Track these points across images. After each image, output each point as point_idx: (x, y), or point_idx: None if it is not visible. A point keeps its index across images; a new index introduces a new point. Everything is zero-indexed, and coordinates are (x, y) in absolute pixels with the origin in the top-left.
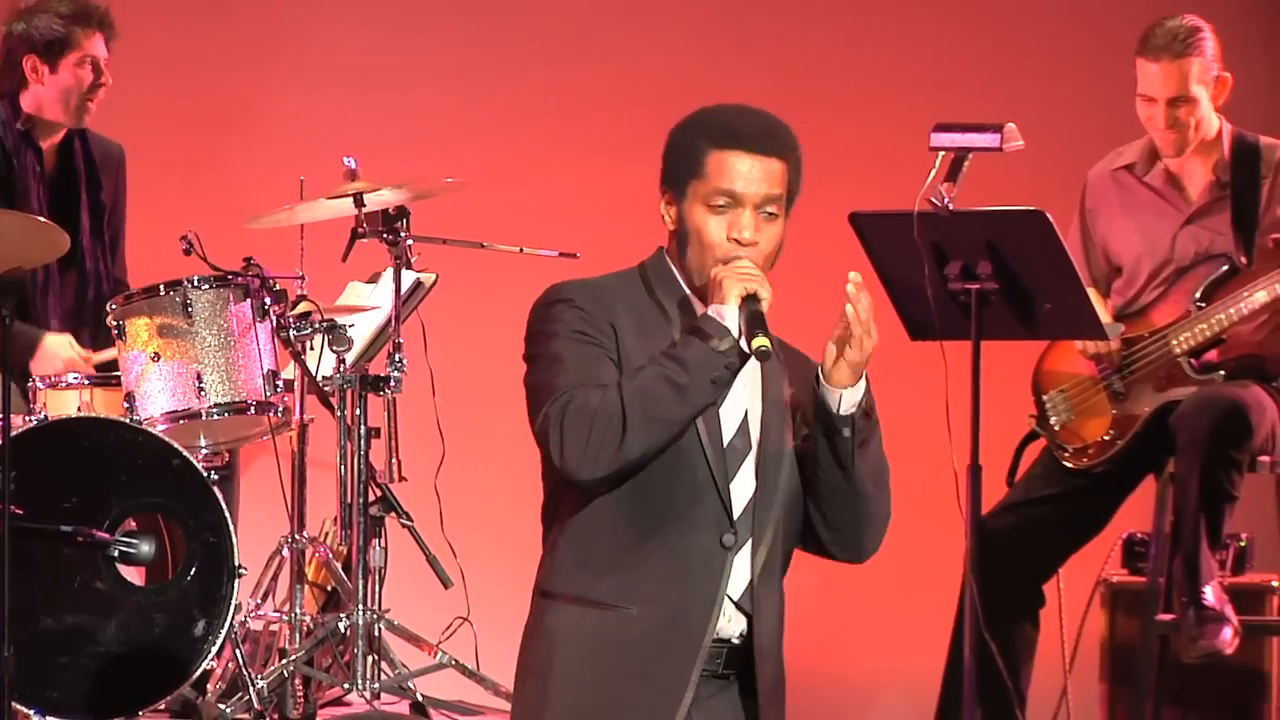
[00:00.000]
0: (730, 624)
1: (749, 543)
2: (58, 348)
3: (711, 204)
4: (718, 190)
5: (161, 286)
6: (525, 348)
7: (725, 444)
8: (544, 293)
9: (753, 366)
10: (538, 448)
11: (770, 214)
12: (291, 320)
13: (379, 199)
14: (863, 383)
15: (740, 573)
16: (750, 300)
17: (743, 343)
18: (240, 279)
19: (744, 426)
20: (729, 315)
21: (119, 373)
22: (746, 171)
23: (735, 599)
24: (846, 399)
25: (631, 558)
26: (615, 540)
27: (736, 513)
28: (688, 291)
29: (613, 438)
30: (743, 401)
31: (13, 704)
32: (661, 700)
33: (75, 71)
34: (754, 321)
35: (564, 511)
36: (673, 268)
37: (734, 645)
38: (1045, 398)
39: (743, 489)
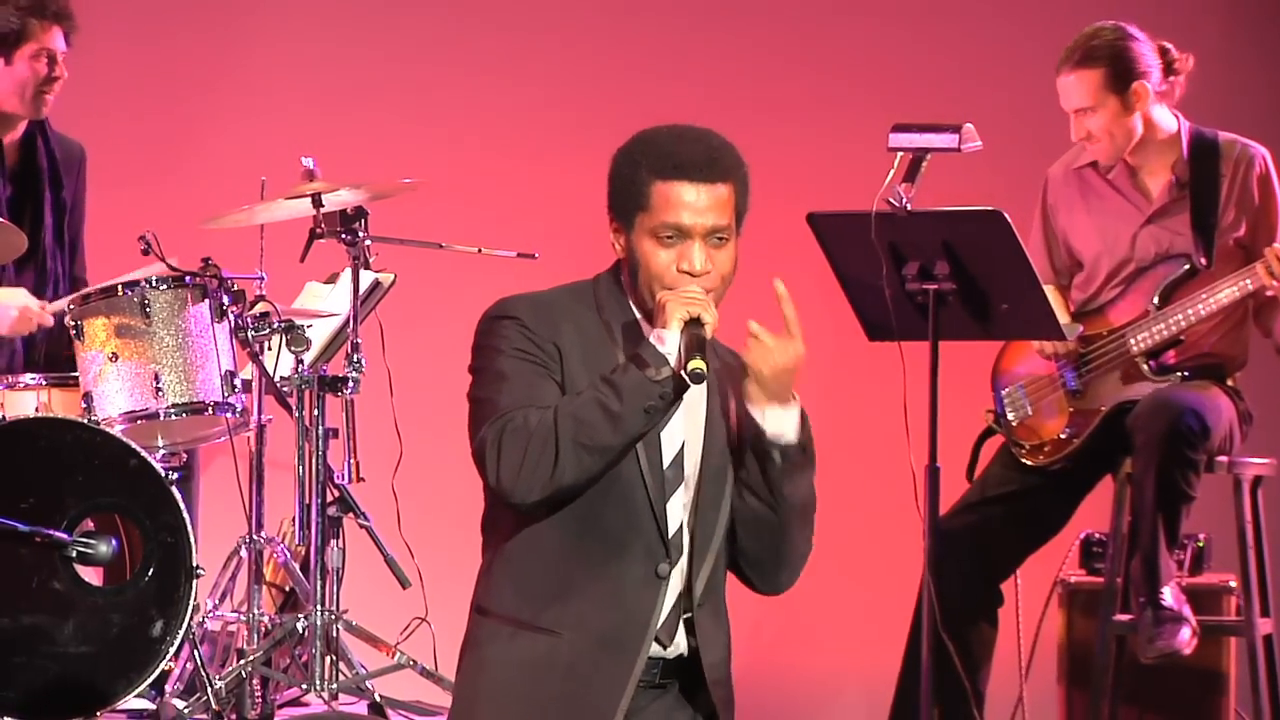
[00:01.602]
0: (671, 647)
1: (686, 567)
2: (10, 296)
3: (659, 237)
4: (664, 224)
5: (119, 286)
6: (470, 360)
7: (664, 468)
8: (491, 307)
9: (697, 387)
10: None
11: (720, 239)
12: (250, 321)
13: (337, 199)
14: (795, 410)
15: (678, 596)
16: (693, 324)
17: (684, 371)
18: (198, 279)
19: (683, 450)
20: (670, 340)
21: (76, 373)
22: (692, 202)
23: (675, 622)
24: (773, 420)
25: (564, 582)
26: (549, 563)
27: (672, 538)
28: (636, 315)
29: (546, 463)
30: (683, 424)
31: None
32: (599, 711)
33: (31, 64)
34: (693, 345)
35: (502, 529)
36: (623, 290)
37: (669, 660)
38: (1004, 394)
39: (680, 514)
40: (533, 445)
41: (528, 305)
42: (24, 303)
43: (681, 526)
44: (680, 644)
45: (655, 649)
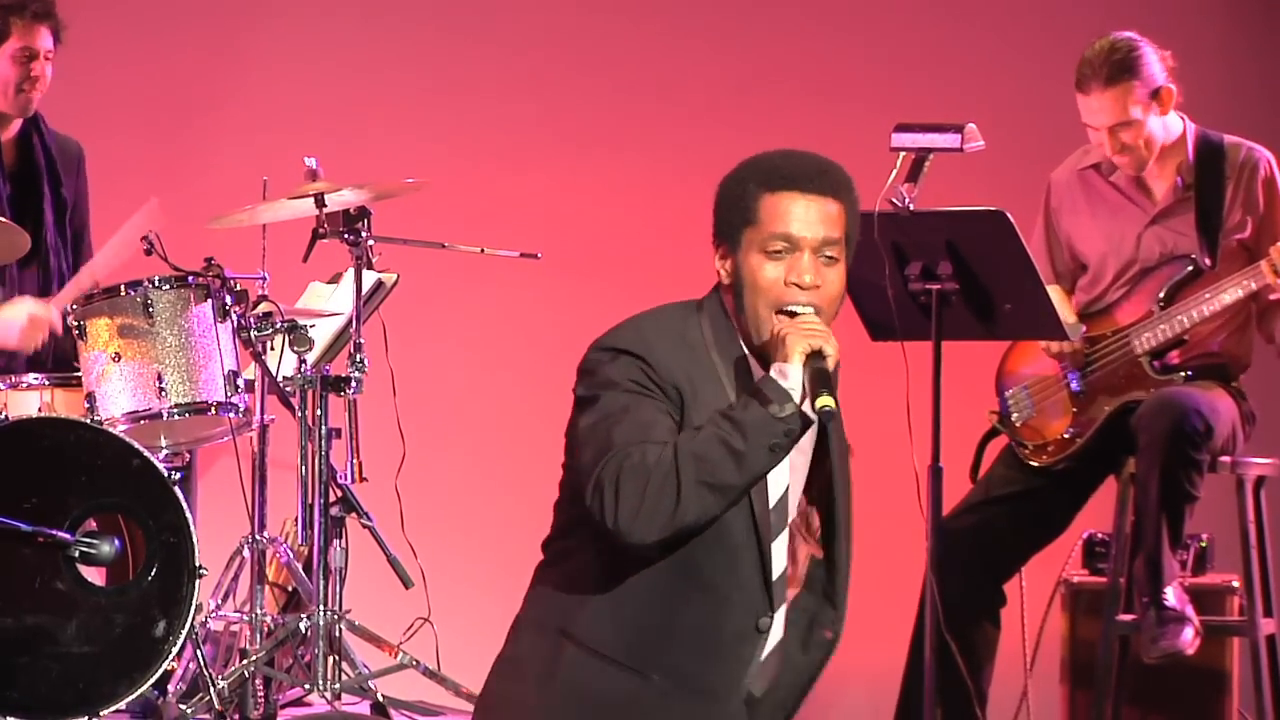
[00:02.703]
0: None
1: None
2: (15, 311)
3: (768, 250)
4: (773, 235)
5: (122, 287)
6: (578, 386)
7: (770, 509)
8: (607, 336)
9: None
10: (565, 489)
11: (830, 258)
12: (252, 320)
13: (340, 199)
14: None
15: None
16: (815, 358)
17: (806, 406)
18: (201, 279)
19: (787, 492)
20: (793, 374)
21: (80, 373)
22: (803, 214)
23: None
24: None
25: (662, 625)
26: (647, 602)
27: (775, 583)
28: (745, 351)
29: (668, 503)
30: (788, 463)
31: None
32: None
33: (11, 63)
34: (818, 380)
35: (598, 554)
36: (731, 322)
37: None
38: (1008, 394)
39: (785, 558)
40: (652, 484)
41: (648, 340)
42: (31, 310)
43: (785, 571)
44: (760, 682)
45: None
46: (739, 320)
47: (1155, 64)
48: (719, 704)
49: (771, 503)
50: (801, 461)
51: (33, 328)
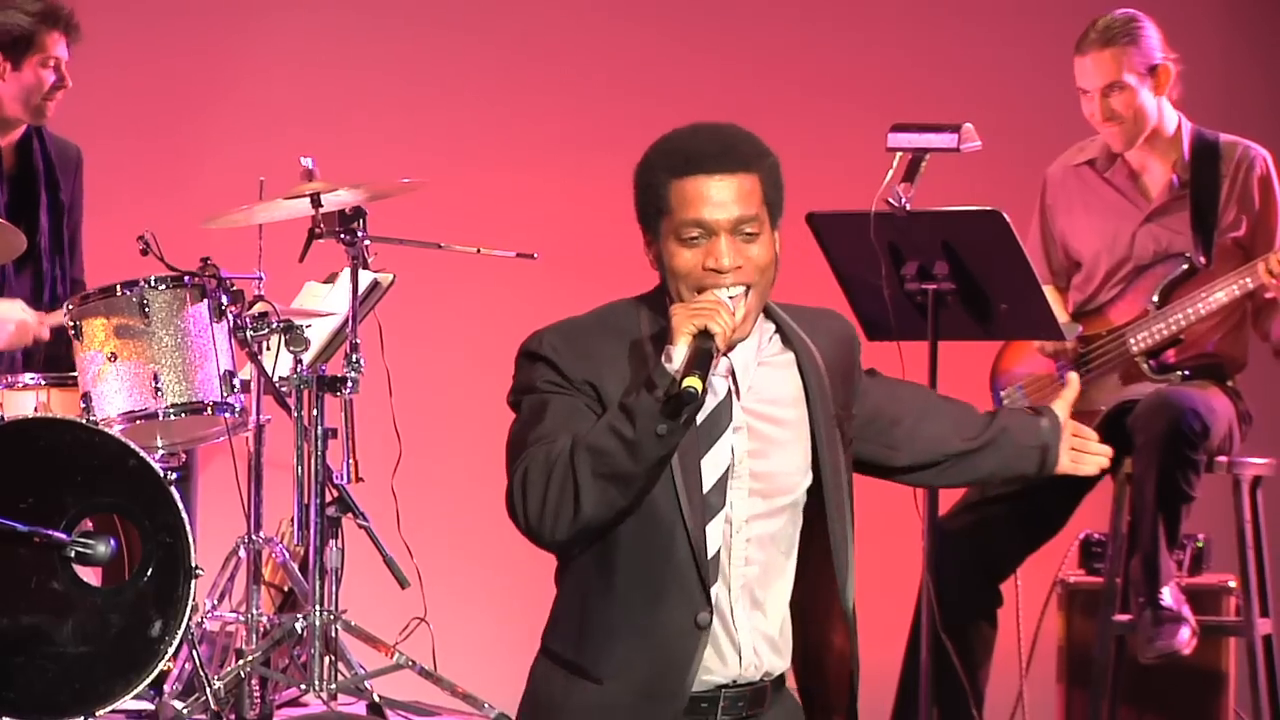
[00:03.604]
0: (751, 670)
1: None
2: (7, 310)
3: (683, 238)
4: (684, 222)
5: (118, 287)
6: (509, 393)
7: (704, 492)
8: (528, 340)
9: (773, 390)
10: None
11: (749, 234)
12: (248, 320)
13: (336, 199)
14: None
15: (754, 620)
16: (702, 337)
17: (678, 390)
18: (197, 279)
19: (728, 471)
20: (677, 356)
21: (75, 373)
22: (710, 195)
23: (753, 644)
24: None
25: (607, 627)
26: (595, 606)
27: (711, 579)
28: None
29: (568, 500)
30: (744, 438)
31: None
32: None
33: (38, 71)
34: (695, 361)
35: (564, 565)
36: (666, 306)
37: (759, 685)
38: (1003, 394)
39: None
40: (553, 482)
41: (561, 339)
42: (20, 316)
43: (718, 555)
44: (753, 667)
45: (742, 677)
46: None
47: (1156, 41)
48: (665, 705)
49: (708, 484)
50: (759, 434)
51: (19, 334)
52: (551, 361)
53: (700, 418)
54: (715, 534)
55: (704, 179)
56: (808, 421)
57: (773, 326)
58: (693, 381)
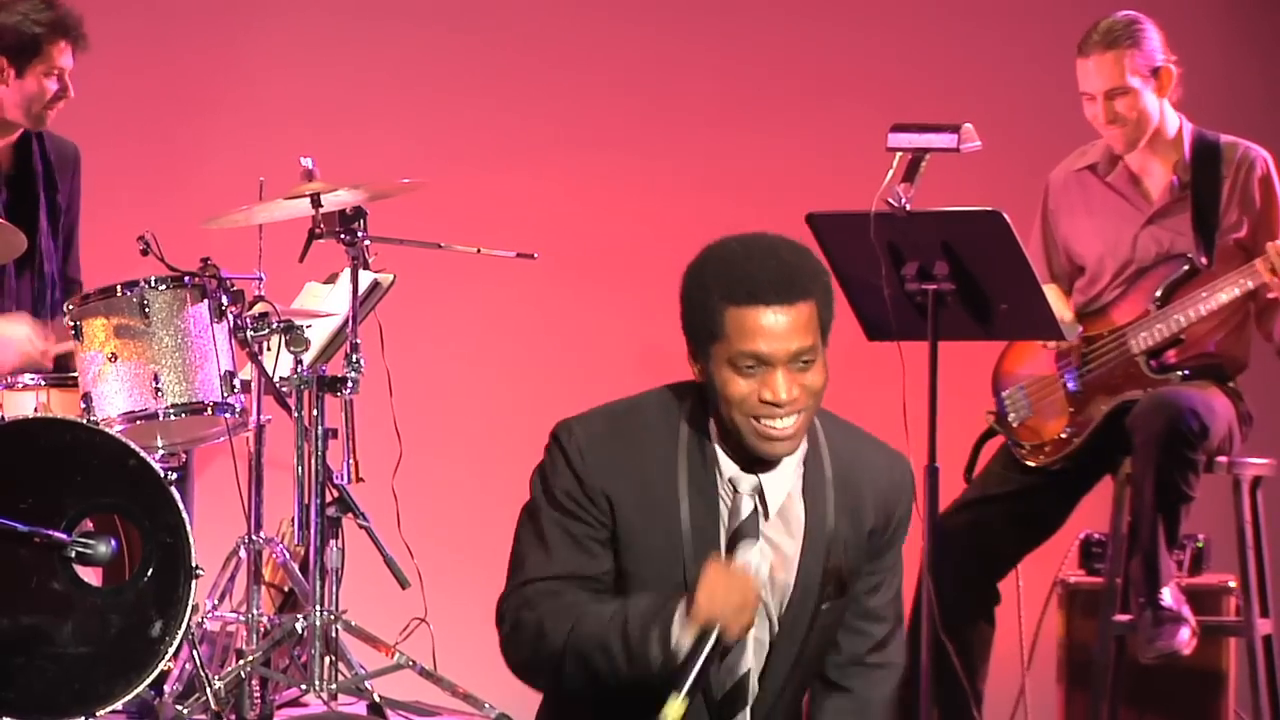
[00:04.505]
0: None
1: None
2: (12, 332)
3: (738, 366)
4: (742, 353)
5: (118, 287)
6: (534, 474)
7: (722, 694)
8: (559, 428)
9: (777, 530)
10: None
11: (805, 363)
12: (249, 321)
13: (336, 199)
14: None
15: None
16: (707, 634)
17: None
18: (197, 279)
19: (746, 678)
20: (683, 641)
21: (76, 373)
22: (770, 329)
23: None
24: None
25: None
26: (584, 715)
27: (722, 699)
28: (715, 445)
29: (551, 676)
30: (761, 646)
31: None
32: None
33: (41, 80)
34: (685, 669)
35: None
36: (707, 424)
37: None
38: (1004, 395)
39: (743, 669)
40: (538, 656)
41: (589, 440)
42: (25, 347)
43: (743, 681)
44: None
45: None
46: (715, 412)
47: (1158, 43)
48: None
49: (722, 689)
50: (784, 559)
51: (21, 362)
52: (574, 468)
53: (727, 537)
54: (740, 667)
55: (764, 310)
56: (796, 569)
57: (804, 450)
58: (675, 709)
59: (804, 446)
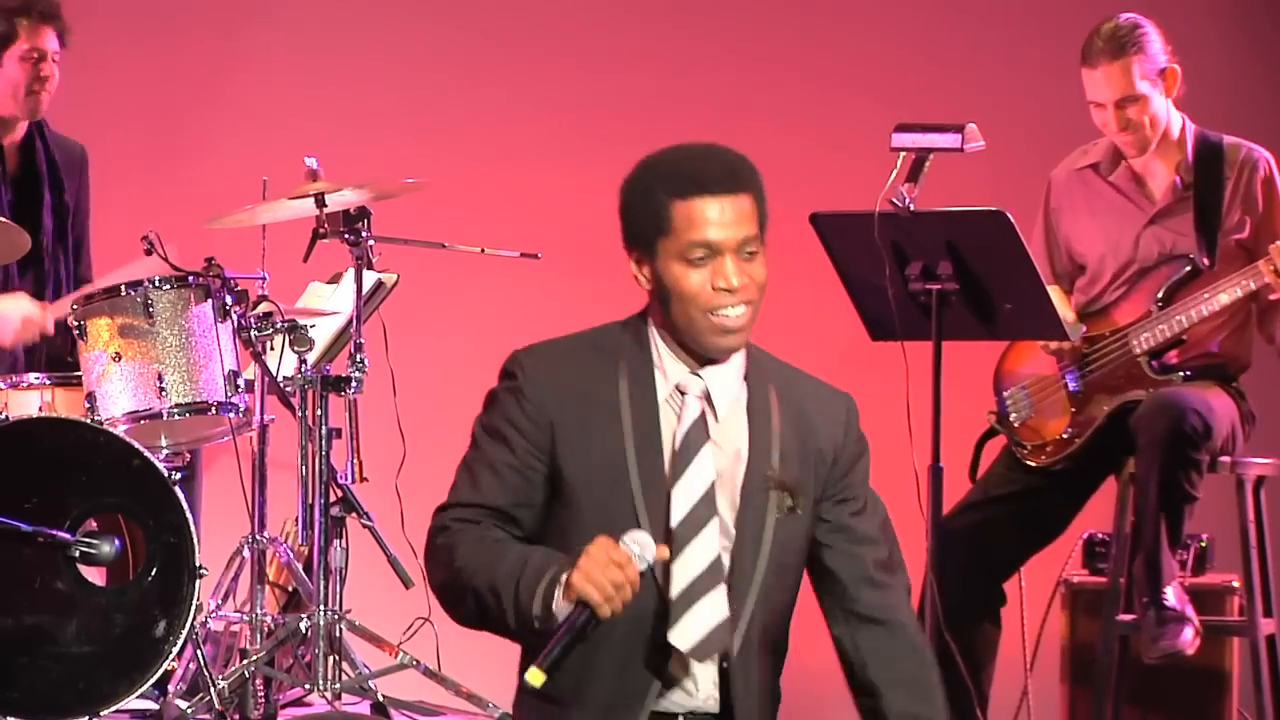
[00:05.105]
0: (703, 699)
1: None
2: (12, 306)
3: (688, 259)
4: (691, 243)
5: (122, 287)
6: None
7: (679, 521)
8: (510, 357)
9: (725, 431)
10: None
11: (750, 252)
12: (253, 320)
13: (340, 199)
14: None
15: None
16: (581, 606)
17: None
18: (201, 279)
19: (708, 497)
20: (560, 612)
21: (80, 373)
22: (718, 217)
23: (710, 674)
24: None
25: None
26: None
27: (678, 596)
28: (655, 360)
29: (455, 606)
30: (707, 473)
31: None
32: None
33: (20, 65)
34: (564, 640)
35: None
36: (649, 334)
37: (702, 715)
38: (1006, 395)
39: (699, 565)
40: (449, 587)
41: (537, 364)
42: (27, 311)
43: (710, 571)
44: (712, 699)
45: (687, 704)
46: (665, 323)
47: (1160, 44)
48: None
49: (679, 515)
50: (732, 452)
51: (25, 329)
52: (520, 389)
53: (678, 441)
54: (690, 564)
55: (710, 200)
56: (745, 468)
57: (745, 363)
58: (534, 677)
59: (744, 359)
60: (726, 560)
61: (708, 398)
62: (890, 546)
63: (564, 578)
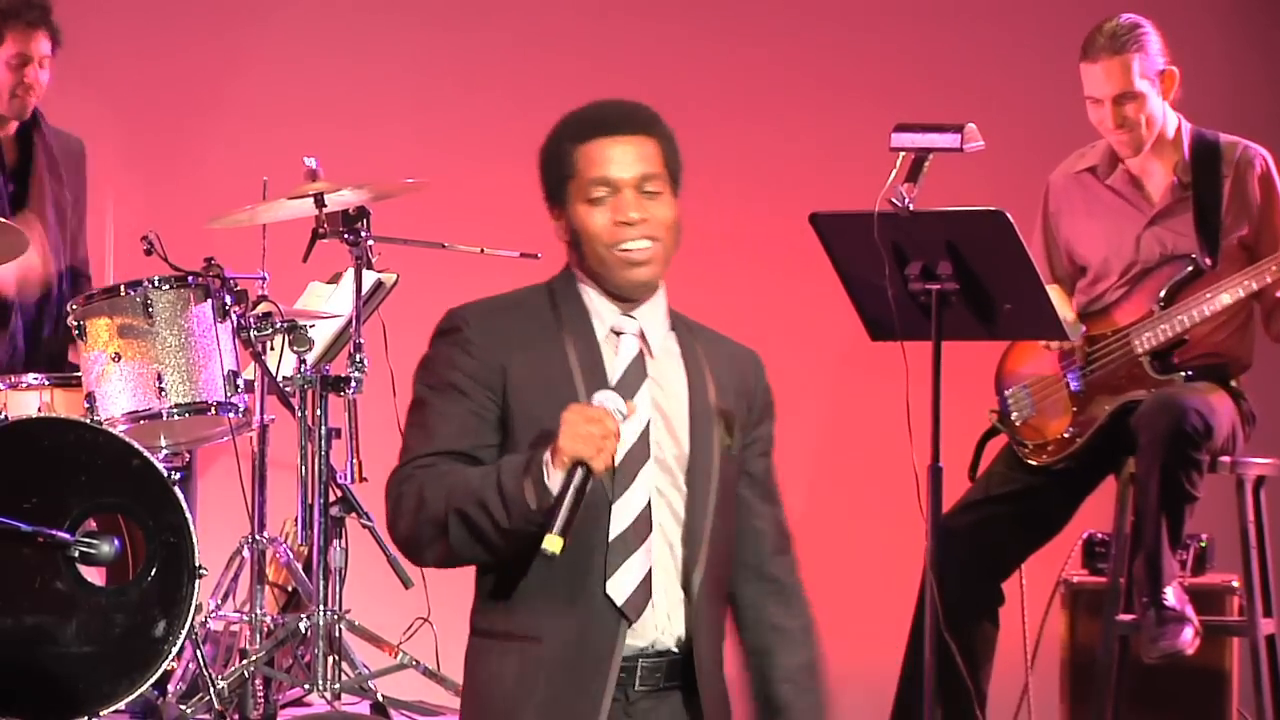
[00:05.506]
0: (664, 635)
1: (681, 555)
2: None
3: (591, 198)
4: (592, 181)
5: (122, 287)
6: (419, 368)
7: (618, 463)
8: (447, 314)
9: (663, 370)
10: None
11: (652, 191)
12: (252, 320)
13: (340, 199)
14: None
15: (668, 585)
16: (579, 467)
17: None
18: (201, 279)
19: (644, 435)
20: (555, 480)
21: (79, 373)
22: (615, 155)
23: (667, 610)
24: None
25: (535, 590)
26: (520, 574)
27: (617, 551)
28: (588, 305)
29: (438, 545)
30: (648, 401)
31: None
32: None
33: (5, 69)
34: (560, 504)
35: None
36: (577, 284)
37: (675, 656)
38: (1007, 394)
39: (639, 506)
40: (423, 521)
41: (478, 315)
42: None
43: (642, 518)
44: (676, 631)
45: (659, 643)
46: (584, 273)
47: (1160, 46)
48: (601, 661)
49: (621, 451)
50: (673, 392)
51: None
52: (466, 337)
53: (618, 377)
54: (628, 506)
55: (608, 140)
56: (688, 404)
57: (669, 321)
58: (553, 543)
59: (667, 308)
60: (680, 504)
61: (644, 337)
62: (780, 508)
63: (547, 455)
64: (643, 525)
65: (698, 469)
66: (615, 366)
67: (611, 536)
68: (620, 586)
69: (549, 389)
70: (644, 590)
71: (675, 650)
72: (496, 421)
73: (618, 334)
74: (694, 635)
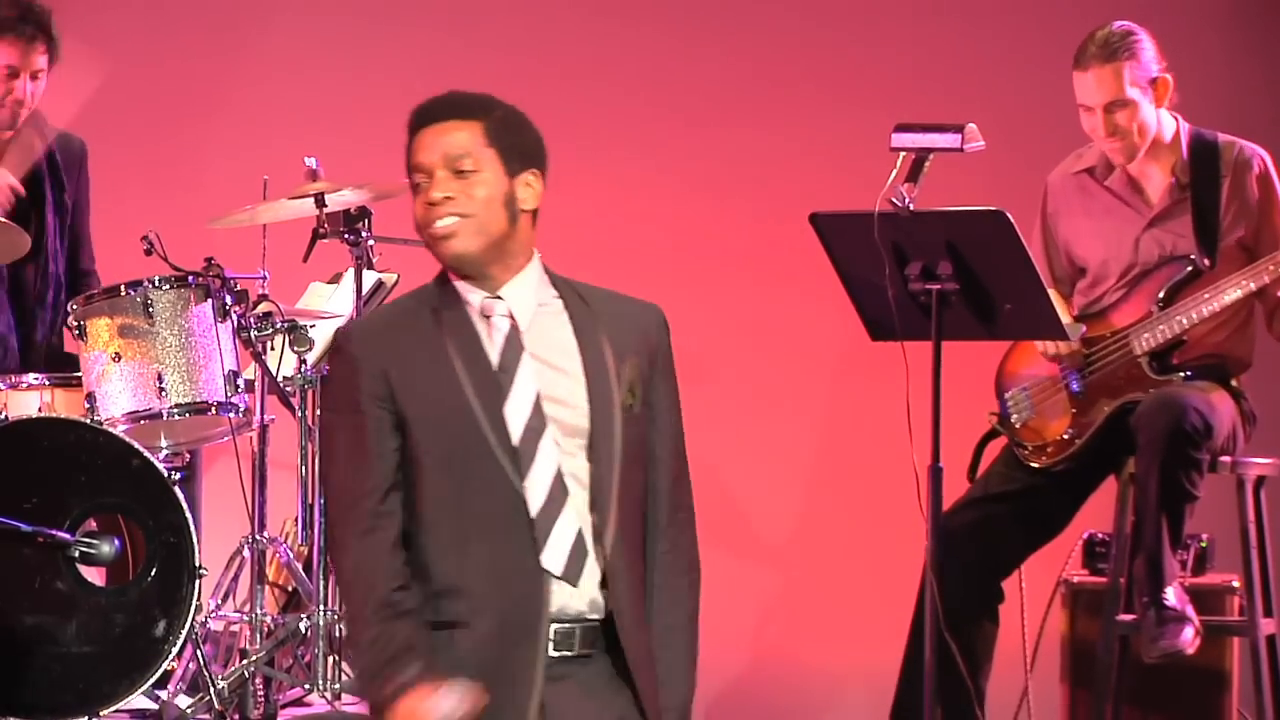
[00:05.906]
0: (580, 602)
1: (591, 518)
2: None
3: (414, 185)
4: (412, 170)
5: (122, 287)
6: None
7: (514, 443)
8: (336, 331)
9: (551, 339)
10: None
11: (463, 170)
12: (253, 320)
13: (340, 199)
14: None
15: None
16: None
17: None
18: (201, 279)
19: (537, 407)
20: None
21: (80, 373)
22: (426, 142)
23: (593, 578)
24: None
25: (458, 576)
26: (437, 570)
27: (538, 515)
28: (462, 296)
29: (349, 631)
30: (534, 377)
31: None
32: (513, 699)
33: None
34: None
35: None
36: (449, 275)
37: (589, 623)
38: (1007, 396)
39: (549, 477)
40: (341, 598)
41: (360, 329)
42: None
43: (556, 486)
44: (590, 597)
45: (574, 609)
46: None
47: (1154, 53)
48: (529, 639)
49: (517, 433)
50: (565, 365)
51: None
52: (351, 357)
53: (496, 360)
54: (539, 480)
55: (424, 130)
56: (581, 365)
57: (553, 291)
58: None
59: (539, 271)
60: (585, 469)
61: (512, 315)
62: (682, 463)
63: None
64: (558, 491)
65: (599, 431)
66: (492, 348)
67: (533, 513)
68: (555, 557)
69: (435, 383)
70: (579, 552)
71: (593, 617)
72: (393, 429)
73: (487, 316)
74: (612, 596)
